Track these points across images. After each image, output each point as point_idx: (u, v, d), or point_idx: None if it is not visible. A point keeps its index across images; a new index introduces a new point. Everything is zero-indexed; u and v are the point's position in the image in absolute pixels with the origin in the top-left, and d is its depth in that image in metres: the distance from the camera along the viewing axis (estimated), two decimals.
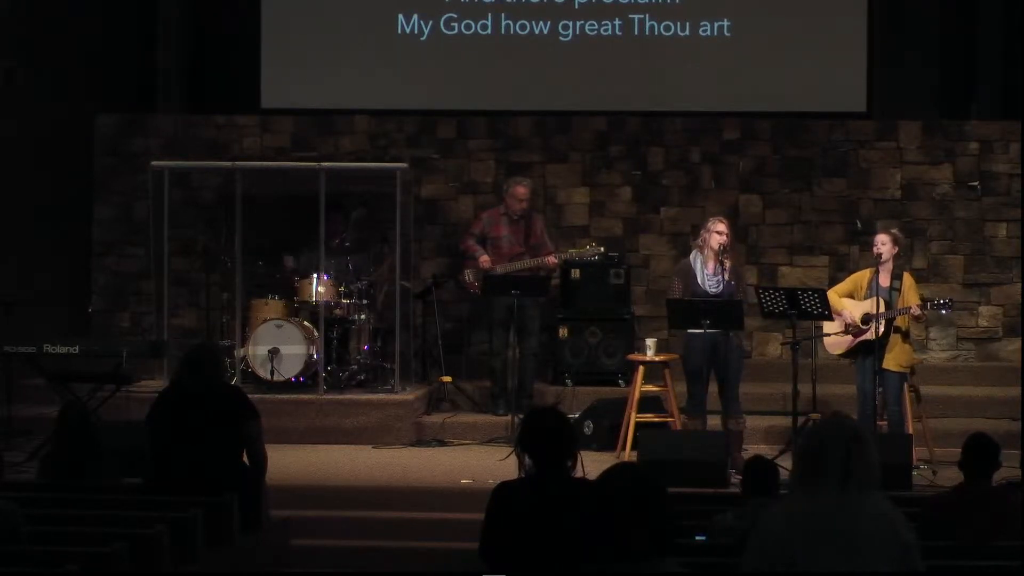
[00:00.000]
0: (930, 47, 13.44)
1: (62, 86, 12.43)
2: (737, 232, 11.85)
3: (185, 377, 7.76)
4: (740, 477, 7.76)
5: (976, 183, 12.75)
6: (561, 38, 13.10)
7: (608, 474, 3.97)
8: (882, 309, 9.75)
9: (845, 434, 4.28)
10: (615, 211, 12.90)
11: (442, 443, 10.89)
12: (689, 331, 9.84)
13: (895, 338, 9.88)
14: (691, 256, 10.14)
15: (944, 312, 10.24)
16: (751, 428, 10.29)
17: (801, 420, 9.73)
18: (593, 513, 3.90)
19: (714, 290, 9.91)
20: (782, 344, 11.69)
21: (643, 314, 12.54)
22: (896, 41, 13.22)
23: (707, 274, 9.96)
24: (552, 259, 11.54)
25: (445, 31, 13.14)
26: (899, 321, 9.88)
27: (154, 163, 11.93)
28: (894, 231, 10.21)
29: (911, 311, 9.77)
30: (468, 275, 11.66)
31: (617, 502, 3.87)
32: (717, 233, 9.94)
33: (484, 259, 11.49)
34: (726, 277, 9.93)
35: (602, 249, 11.63)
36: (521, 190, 11.60)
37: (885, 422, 9.89)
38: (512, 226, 11.59)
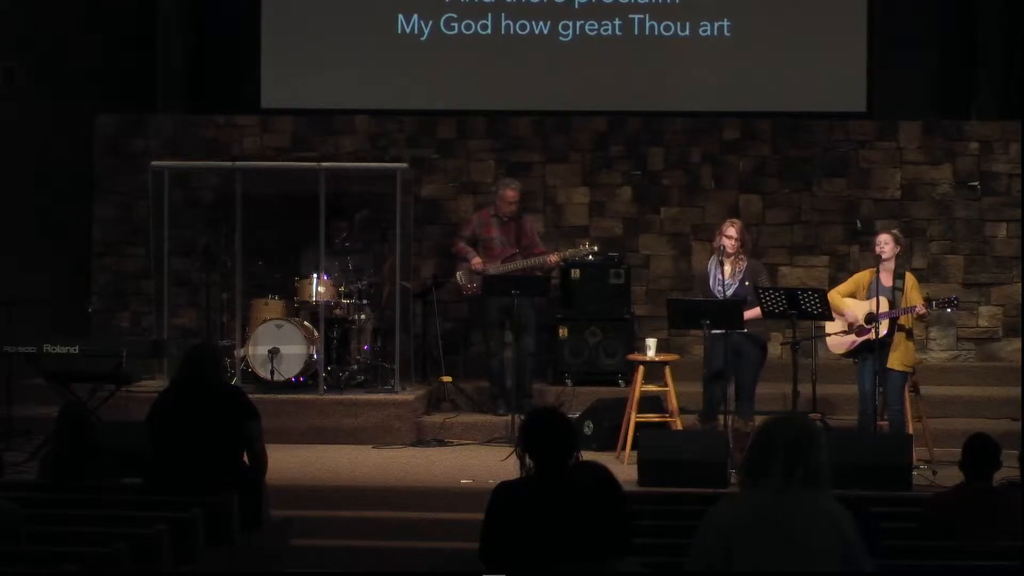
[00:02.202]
0: (930, 47, 13.43)
1: (62, 86, 12.43)
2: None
3: (185, 377, 7.74)
4: None
5: (976, 183, 12.75)
6: (561, 38, 13.10)
7: (569, 474, 3.97)
8: (885, 308, 9.74)
9: (792, 432, 4.28)
10: (615, 211, 12.90)
11: (442, 443, 10.88)
12: (713, 332, 9.78)
13: (899, 337, 9.87)
14: (709, 261, 10.16)
15: (950, 310, 10.23)
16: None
17: None
18: (558, 511, 3.88)
19: (726, 292, 9.87)
20: (782, 344, 11.69)
21: (643, 314, 12.54)
22: (896, 41, 13.21)
23: (719, 278, 9.94)
24: (553, 257, 11.52)
25: (445, 31, 13.14)
26: (903, 320, 9.87)
27: (154, 163, 11.93)
28: (895, 231, 10.20)
29: (917, 310, 9.76)
30: (460, 277, 11.64)
31: (579, 501, 3.86)
32: (726, 237, 9.94)
33: (476, 260, 11.47)
34: (740, 278, 9.91)
35: (595, 248, 11.62)
36: (511, 193, 11.54)
37: (886, 422, 9.88)
38: (503, 227, 11.56)
